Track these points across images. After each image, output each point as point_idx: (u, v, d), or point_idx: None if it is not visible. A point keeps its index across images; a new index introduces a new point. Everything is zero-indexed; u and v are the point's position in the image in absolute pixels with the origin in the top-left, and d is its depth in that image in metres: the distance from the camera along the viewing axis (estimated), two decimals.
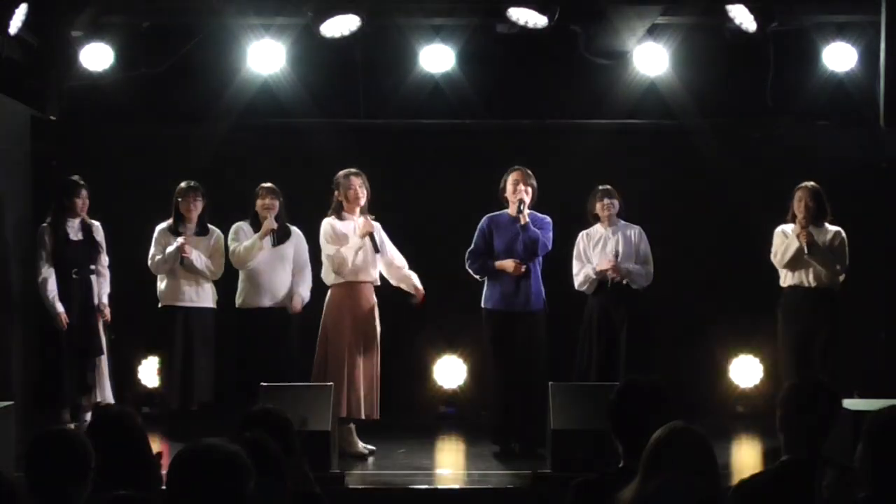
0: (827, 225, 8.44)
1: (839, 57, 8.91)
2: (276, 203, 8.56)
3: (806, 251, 8.29)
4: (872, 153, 9.64)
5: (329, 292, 8.19)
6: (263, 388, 7.53)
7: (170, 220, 8.71)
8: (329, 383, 7.66)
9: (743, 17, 8.36)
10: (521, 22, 8.35)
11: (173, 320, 8.65)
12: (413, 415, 8.31)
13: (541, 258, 8.26)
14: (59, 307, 8.44)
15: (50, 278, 8.47)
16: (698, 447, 3.59)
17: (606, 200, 8.71)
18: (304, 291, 8.59)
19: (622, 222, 8.76)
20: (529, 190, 8.23)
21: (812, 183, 8.46)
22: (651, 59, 8.95)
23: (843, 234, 8.43)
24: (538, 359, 8.13)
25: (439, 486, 7.08)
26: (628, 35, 8.83)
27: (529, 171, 8.32)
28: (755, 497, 3.92)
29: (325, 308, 8.16)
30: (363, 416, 8.00)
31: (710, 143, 9.54)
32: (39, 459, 3.69)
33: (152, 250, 8.67)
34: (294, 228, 8.65)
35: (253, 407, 5.02)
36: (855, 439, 3.60)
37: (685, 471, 3.18)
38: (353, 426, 8.09)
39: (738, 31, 8.55)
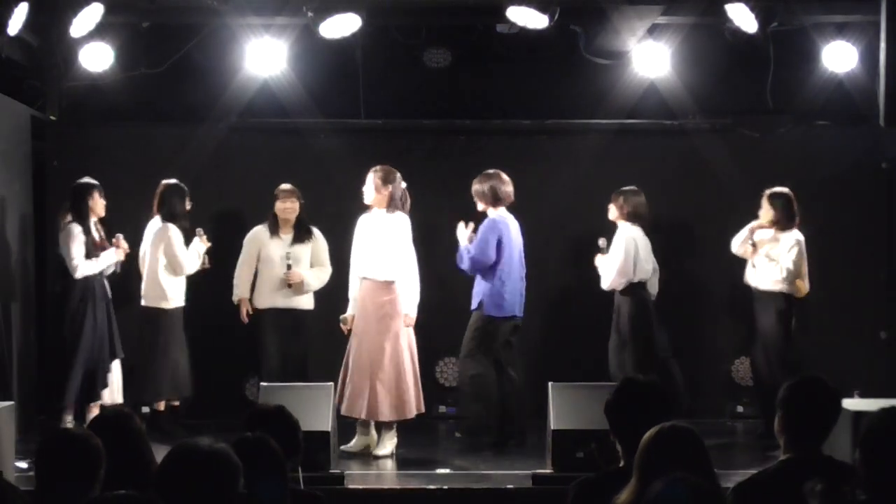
0: (792, 231, 8.47)
1: (839, 57, 8.90)
2: (297, 205, 8.62)
3: (749, 253, 8.53)
4: (872, 153, 9.64)
5: None
6: (264, 387, 7.56)
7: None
8: (329, 383, 7.66)
9: (743, 17, 8.35)
10: (521, 22, 8.35)
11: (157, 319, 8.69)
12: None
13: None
14: (108, 255, 8.47)
15: (86, 264, 8.39)
16: (690, 445, 3.59)
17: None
18: (311, 278, 8.59)
19: (620, 223, 8.75)
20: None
21: (778, 189, 8.51)
22: (651, 59, 8.95)
23: (800, 240, 8.45)
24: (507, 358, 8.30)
25: (439, 486, 7.08)
26: (628, 35, 8.82)
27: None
28: (755, 497, 3.92)
29: None
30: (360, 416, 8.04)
31: (710, 143, 9.54)
32: (50, 459, 3.70)
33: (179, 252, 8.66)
34: (315, 230, 8.69)
35: (258, 406, 5.03)
36: (855, 439, 3.59)
37: (679, 470, 3.18)
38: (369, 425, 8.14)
39: (738, 31, 8.55)
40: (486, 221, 8.35)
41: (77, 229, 8.34)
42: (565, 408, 7.34)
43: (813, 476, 3.67)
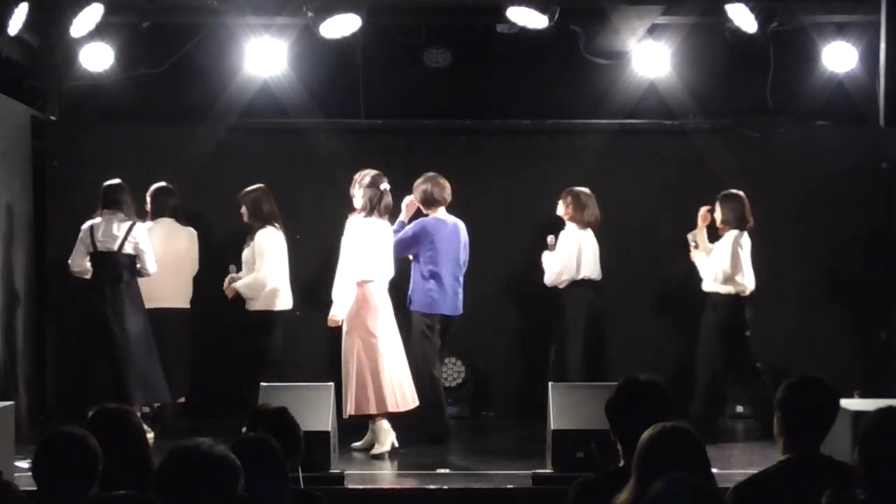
0: (731, 232, 8.49)
1: (839, 57, 8.90)
2: (243, 209, 8.65)
3: (692, 250, 8.66)
4: (872, 153, 9.64)
5: None
6: (264, 387, 7.55)
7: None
8: (329, 383, 7.66)
9: (743, 17, 8.35)
10: (521, 22, 8.35)
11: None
12: (413, 414, 8.30)
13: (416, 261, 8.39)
14: None
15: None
16: (689, 445, 3.59)
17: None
18: (241, 286, 8.54)
19: (568, 223, 8.85)
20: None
21: (732, 191, 8.58)
22: (651, 59, 8.95)
23: (738, 238, 8.46)
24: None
25: (439, 486, 7.08)
26: (628, 35, 8.83)
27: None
28: (755, 497, 3.92)
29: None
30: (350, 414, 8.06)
31: (710, 143, 9.54)
32: (50, 459, 3.71)
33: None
34: (258, 234, 8.58)
35: (259, 406, 5.03)
36: (855, 439, 3.60)
37: (677, 470, 3.18)
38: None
39: (738, 31, 8.55)
40: (418, 220, 8.38)
41: (147, 227, 8.46)
42: (565, 408, 7.34)
43: (812, 476, 3.68)
